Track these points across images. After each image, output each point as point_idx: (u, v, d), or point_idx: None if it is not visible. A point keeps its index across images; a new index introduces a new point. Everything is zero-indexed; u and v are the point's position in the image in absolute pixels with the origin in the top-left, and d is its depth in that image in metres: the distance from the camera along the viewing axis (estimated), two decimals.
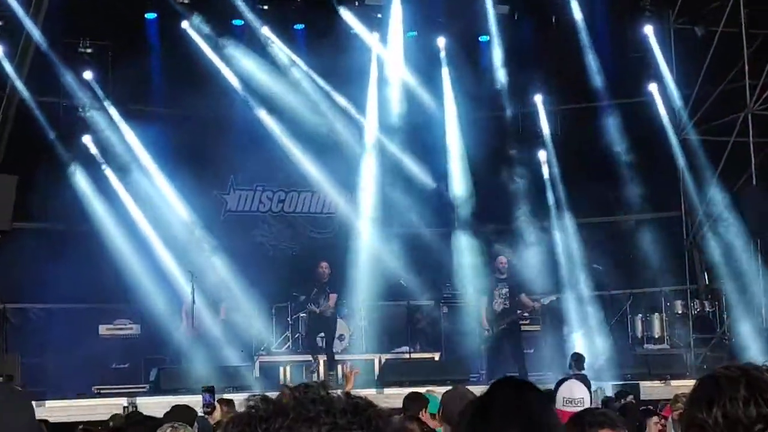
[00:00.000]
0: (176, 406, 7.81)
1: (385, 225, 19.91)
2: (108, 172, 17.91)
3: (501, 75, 19.70)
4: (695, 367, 17.50)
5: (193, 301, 16.24)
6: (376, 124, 19.57)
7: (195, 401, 9.53)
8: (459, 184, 20.42)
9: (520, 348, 16.49)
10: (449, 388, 12.87)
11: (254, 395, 2.03)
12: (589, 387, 5.69)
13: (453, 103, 19.98)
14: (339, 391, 2.00)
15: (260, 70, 18.71)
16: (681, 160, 19.30)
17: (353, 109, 19.38)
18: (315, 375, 16.34)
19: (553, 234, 19.62)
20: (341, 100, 19.20)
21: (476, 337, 16.95)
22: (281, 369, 16.85)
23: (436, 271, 19.84)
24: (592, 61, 19.39)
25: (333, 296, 16.91)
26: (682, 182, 19.31)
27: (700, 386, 2.96)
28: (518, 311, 16.53)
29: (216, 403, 6.38)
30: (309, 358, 16.81)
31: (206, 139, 18.83)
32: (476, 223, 20.42)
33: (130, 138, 18.10)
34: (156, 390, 14.69)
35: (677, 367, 16.39)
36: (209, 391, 6.39)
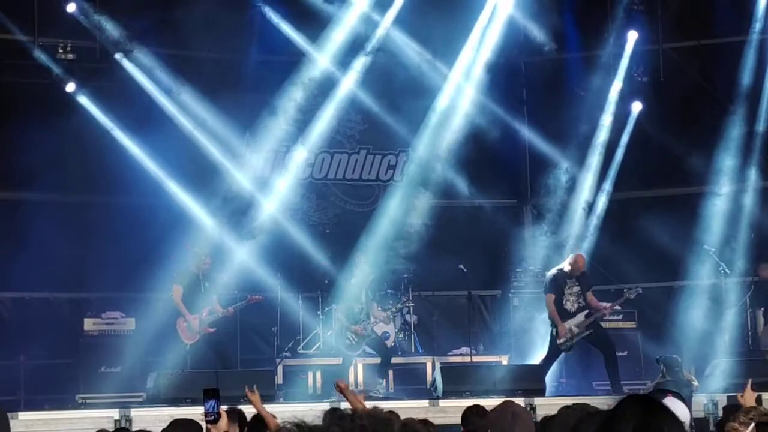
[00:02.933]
0: (177, 420, 7.76)
1: (441, 196, 19.84)
2: (108, 126, 17.99)
3: None
4: None
5: (201, 289, 16.24)
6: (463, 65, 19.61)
7: (201, 414, 9.49)
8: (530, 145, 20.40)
9: (612, 351, 16.29)
10: (521, 400, 12.78)
11: None
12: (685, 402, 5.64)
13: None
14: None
15: None
16: None
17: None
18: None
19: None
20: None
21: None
22: (309, 374, 16.83)
23: (503, 254, 19.74)
24: None
25: None
26: None
27: None
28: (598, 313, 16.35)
29: (222, 411, 6.29)
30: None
31: (216, 86, 18.84)
32: (551, 194, 20.36)
33: (140, 84, 18.21)
34: (155, 400, 14.71)
35: None
36: (213, 395, 6.26)
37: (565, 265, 16.40)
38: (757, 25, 19.41)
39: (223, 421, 6.09)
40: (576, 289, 16.23)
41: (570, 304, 16.17)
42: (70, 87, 17.83)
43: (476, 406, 8.21)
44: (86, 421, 12.93)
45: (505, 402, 6.09)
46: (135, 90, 18.17)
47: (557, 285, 16.21)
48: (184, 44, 18.55)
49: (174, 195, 18.09)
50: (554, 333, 16.09)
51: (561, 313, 16.07)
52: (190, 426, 7.46)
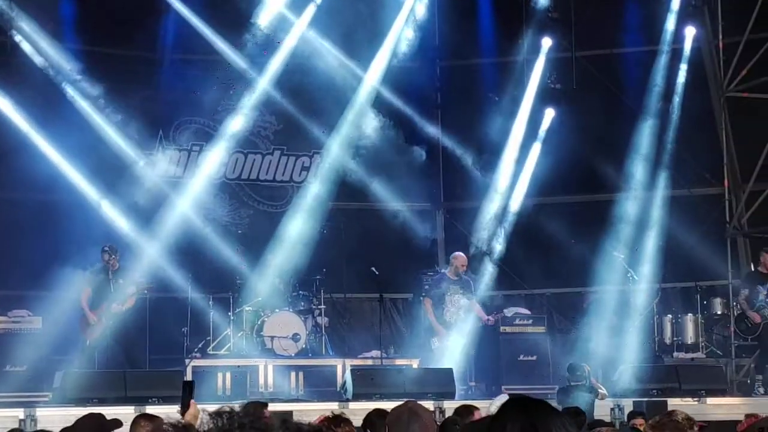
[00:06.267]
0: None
1: (354, 198, 19.92)
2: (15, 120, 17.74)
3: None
4: (737, 382, 17.54)
5: (111, 288, 16.15)
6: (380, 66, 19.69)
7: (109, 413, 9.42)
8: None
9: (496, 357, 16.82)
10: (431, 403, 12.85)
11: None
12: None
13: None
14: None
15: None
16: (723, 124, 19.34)
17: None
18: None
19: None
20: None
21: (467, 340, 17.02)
22: (219, 375, 16.76)
23: (415, 258, 19.84)
24: None
25: None
26: (725, 151, 19.32)
27: None
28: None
29: (191, 401, 6.74)
30: (254, 362, 16.77)
31: (131, 83, 18.71)
32: (464, 199, 20.59)
33: (51, 79, 17.97)
34: (61, 399, 14.56)
35: (715, 381, 16.38)
36: (185, 386, 6.81)
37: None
38: (668, 36, 19.74)
39: (194, 408, 6.45)
40: (457, 297, 16.88)
41: (449, 315, 16.87)
42: None
43: (377, 409, 8.27)
44: None
45: (405, 402, 6.14)
46: (45, 85, 17.96)
47: (437, 290, 16.92)
48: (96, 40, 18.41)
49: (83, 192, 17.91)
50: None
51: (441, 321, 16.70)
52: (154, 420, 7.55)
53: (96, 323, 16.06)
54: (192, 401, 6.64)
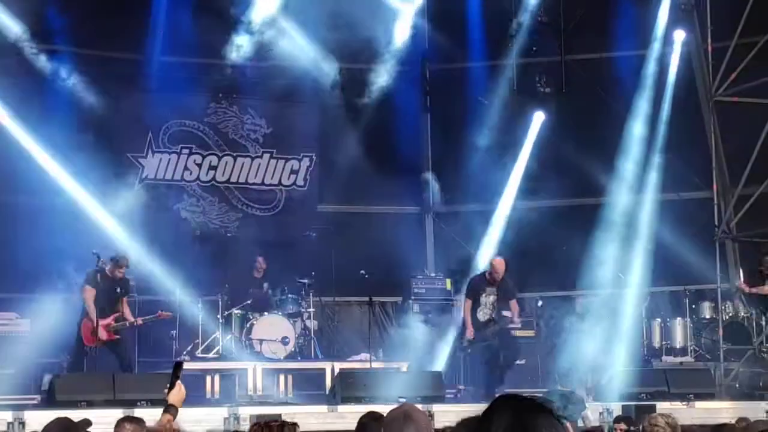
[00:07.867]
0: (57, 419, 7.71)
1: (343, 201, 19.92)
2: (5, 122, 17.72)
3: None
4: (726, 386, 17.57)
5: (113, 295, 16.11)
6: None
7: (97, 416, 9.41)
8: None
9: (509, 360, 16.56)
10: (420, 407, 12.83)
11: None
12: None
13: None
14: None
15: None
16: (712, 128, 19.38)
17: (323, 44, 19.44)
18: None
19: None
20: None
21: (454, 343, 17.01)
22: (208, 379, 16.74)
23: (405, 261, 19.84)
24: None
25: None
26: (714, 156, 19.35)
27: None
28: (505, 319, 16.60)
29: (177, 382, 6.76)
30: (242, 366, 16.76)
31: (120, 86, 18.69)
32: (453, 203, 20.58)
33: (40, 80, 17.98)
34: (50, 402, 14.53)
35: (703, 385, 16.43)
36: (177, 366, 6.86)
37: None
38: (657, 39, 19.79)
39: (179, 389, 6.49)
40: (492, 298, 16.52)
41: (482, 314, 16.51)
42: None
43: (371, 412, 8.24)
44: None
45: (402, 404, 6.13)
46: (33, 88, 17.94)
47: (473, 289, 16.57)
48: (85, 42, 18.39)
49: (71, 195, 17.88)
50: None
51: (474, 320, 16.38)
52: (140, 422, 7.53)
53: (100, 328, 15.92)
54: (178, 382, 6.62)
